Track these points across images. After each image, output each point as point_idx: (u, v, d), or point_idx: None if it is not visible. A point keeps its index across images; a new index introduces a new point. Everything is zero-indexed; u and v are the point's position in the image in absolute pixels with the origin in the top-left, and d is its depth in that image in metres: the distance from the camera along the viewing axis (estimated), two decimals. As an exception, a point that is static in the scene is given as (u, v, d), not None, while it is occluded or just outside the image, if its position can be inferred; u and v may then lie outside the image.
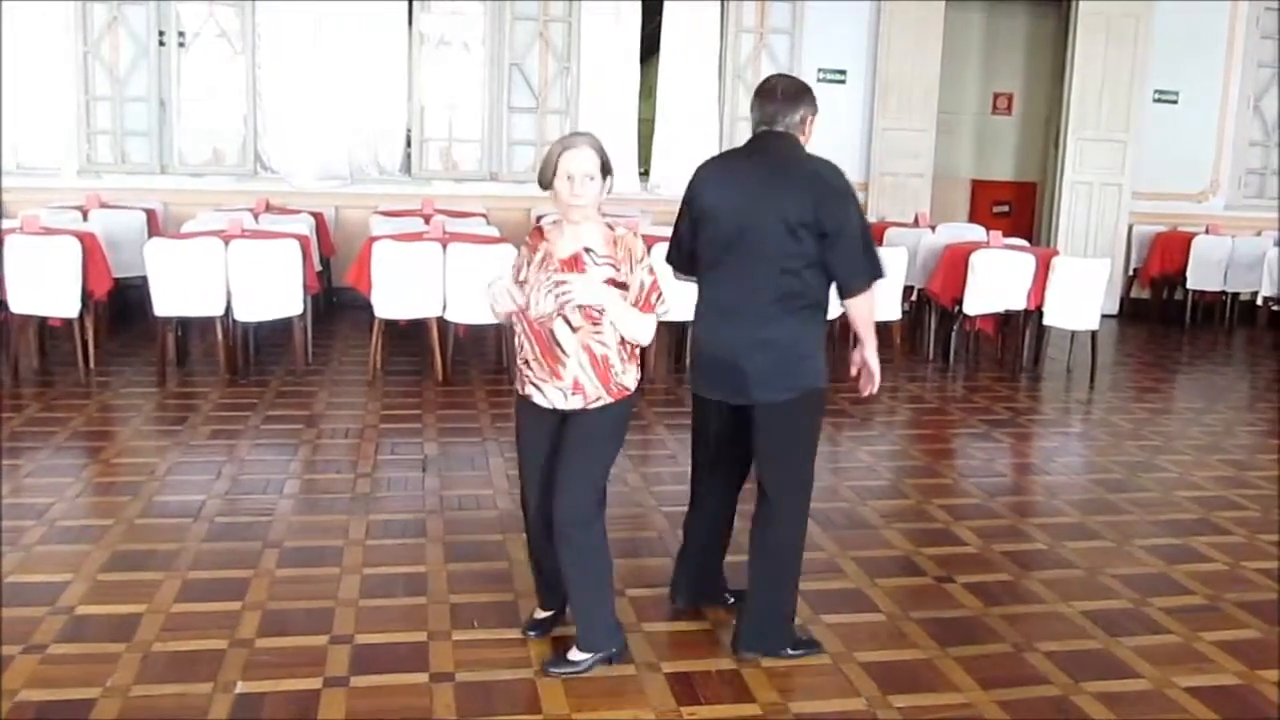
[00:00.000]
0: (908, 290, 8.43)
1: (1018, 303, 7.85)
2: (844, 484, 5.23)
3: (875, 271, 3.41)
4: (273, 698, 3.12)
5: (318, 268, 7.98)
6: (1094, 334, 7.96)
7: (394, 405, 6.46)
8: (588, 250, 3.22)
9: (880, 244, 7.40)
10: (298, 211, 8.84)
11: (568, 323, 3.21)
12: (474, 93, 9.94)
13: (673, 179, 9.87)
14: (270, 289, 6.91)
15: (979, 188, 12.07)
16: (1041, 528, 4.81)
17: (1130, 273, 10.92)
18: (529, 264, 3.29)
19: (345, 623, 3.59)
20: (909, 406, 6.98)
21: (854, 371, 3.58)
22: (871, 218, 9.29)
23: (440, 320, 7.04)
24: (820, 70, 10.10)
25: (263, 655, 3.36)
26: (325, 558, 4.13)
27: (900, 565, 4.31)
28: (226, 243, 6.83)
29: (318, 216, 8.90)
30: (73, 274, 6.68)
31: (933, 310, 8.48)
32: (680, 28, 10.08)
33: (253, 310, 6.93)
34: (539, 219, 8.05)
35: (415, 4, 9.67)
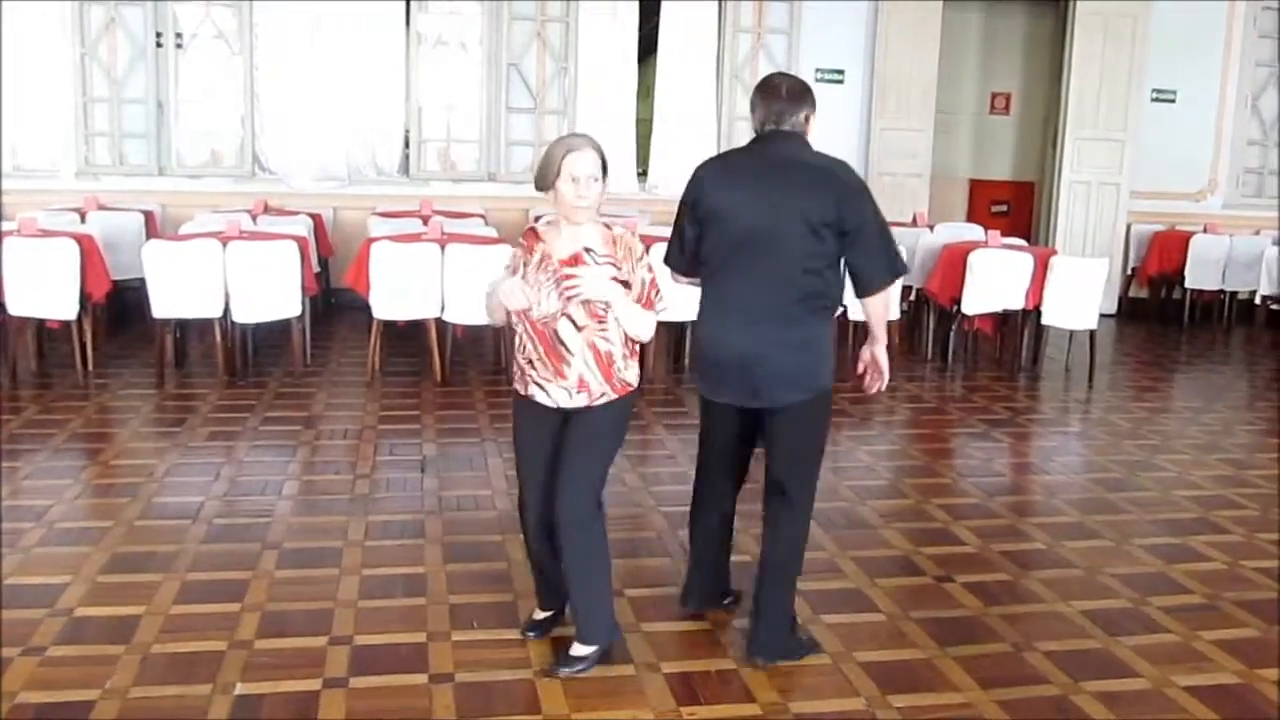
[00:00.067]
0: (906, 290, 8.44)
1: (1016, 302, 7.85)
2: (843, 484, 5.23)
3: (896, 268, 3.42)
4: (272, 699, 3.11)
5: (316, 269, 7.98)
6: (1092, 333, 7.97)
7: (392, 406, 6.45)
8: (588, 250, 3.23)
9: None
10: (296, 213, 8.83)
11: (572, 322, 3.22)
12: (472, 93, 9.94)
13: (671, 179, 9.88)
14: (268, 290, 6.91)
15: (977, 187, 12.08)
16: (1040, 527, 4.82)
17: (1128, 272, 10.93)
18: (525, 266, 3.30)
19: (344, 624, 3.59)
20: (908, 406, 6.98)
21: (860, 369, 3.58)
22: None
23: (439, 321, 7.04)
24: (818, 70, 10.10)
25: (262, 656, 3.36)
26: (324, 559, 4.12)
27: (899, 565, 4.31)
28: (224, 244, 6.83)
29: (316, 218, 8.90)
30: (71, 276, 6.67)
31: (931, 310, 8.48)
32: (678, 28, 10.08)
33: (251, 312, 6.92)
34: (536, 219, 8.05)
35: (413, 4, 9.67)
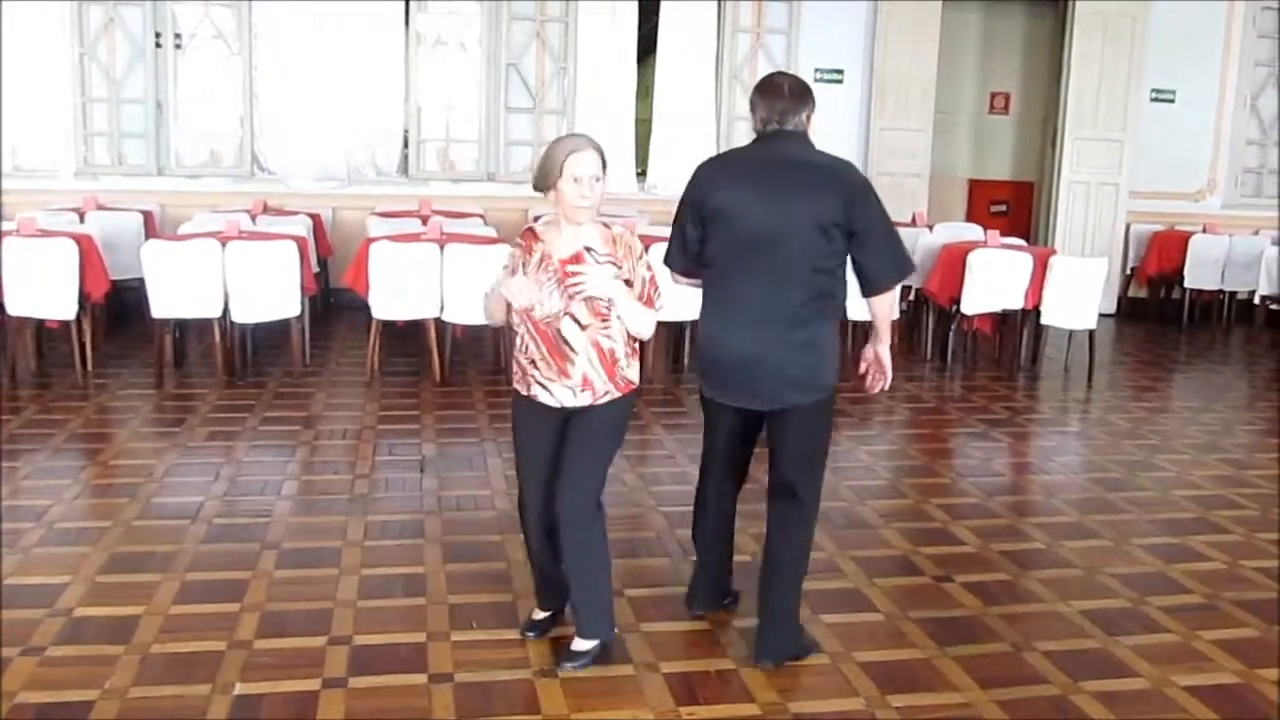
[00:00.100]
0: (905, 290, 8.44)
1: (1015, 302, 7.85)
2: (843, 483, 5.23)
3: (904, 267, 3.42)
4: (271, 699, 3.11)
5: (315, 269, 7.98)
6: (1091, 333, 7.97)
7: (392, 406, 6.45)
8: (589, 249, 3.25)
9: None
10: (295, 213, 8.83)
11: (576, 320, 3.23)
12: (471, 93, 9.94)
13: (670, 179, 9.87)
14: (267, 290, 6.90)
15: (976, 187, 12.08)
16: (1040, 527, 4.82)
17: (1128, 272, 10.93)
18: (524, 266, 3.30)
19: (344, 624, 3.59)
20: (907, 406, 6.99)
21: (862, 369, 3.58)
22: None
23: (438, 321, 7.03)
24: (817, 70, 10.10)
25: (261, 656, 3.35)
26: (323, 559, 4.12)
27: (899, 565, 4.31)
28: (224, 244, 6.82)
29: (315, 218, 8.90)
30: (70, 276, 6.67)
31: (930, 310, 8.48)
32: (677, 28, 10.08)
33: (250, 312, 6.92)
34: (535, 219, 8.05)
35: (412, 4, 9.67)
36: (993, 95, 11.99)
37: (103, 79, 9.26)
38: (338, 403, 6.53)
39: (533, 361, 3.30)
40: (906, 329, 8.77)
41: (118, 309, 8.10)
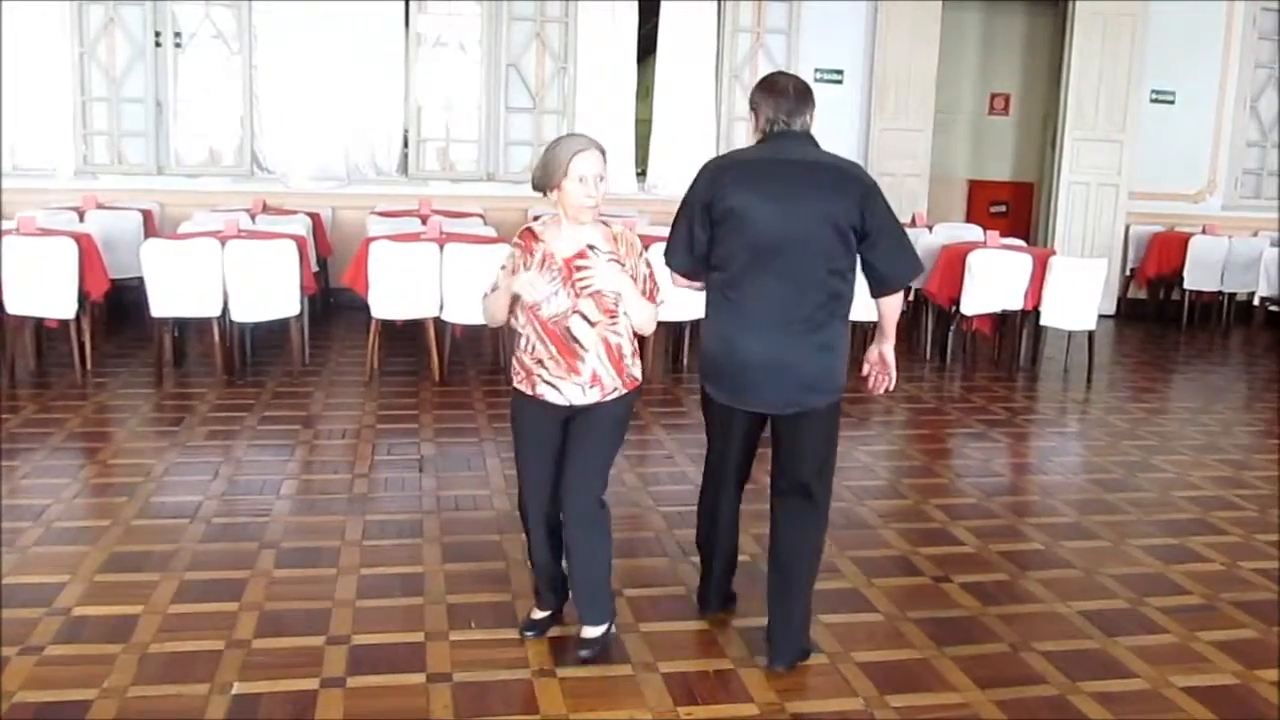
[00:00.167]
0: (905, 290, 8.42)
1: (1015, 303, 7.86)
2: (842, 484, 5.21)
3: (916, 266, 3.42)
4: (269, 698, 3.11)
5: (314, 268, 7.99)
6: (1091, 334, 7.97)
7: (391, 406, 6.45)
8: (592, 247, 3.27)
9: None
10: (294, 212, 8.82)
11: (585, 318, 3.26)
12: (471, 93, 9.94)
13: (670, 179, 9.88)
14: (267, 290, 6.90)
15: (976, 188, 12.09)
16: (1039, 528, 4.82)
17: (1127, 273, 10.93)
18: (525, 267, 3.30)
19: (342, 623, 3.59)
20: (906, 406, 6.99)
21: (865, 370, 3.57)
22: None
23: (437, 320, 7.04)
24: (817, 70, 10.10)
25: (259, 656, 3.35)
26: (322, 558, 4.12)
27: (898, 565, 4.31)
28: (223, 243, 6.82)
29: (314, 217, 8.89)
30: (69, 275, 6.66)
31: (930, 310, 8.49)
32: (677, 28, 10.07)
33: (249, 311, 6.92)
34: (535, 219, 8.04)
35: (412, 4, 9.66)
36: (992, 96, 12.00)
37: (103, 78, 9.25)
38: (337, 402, 6.53)
39: (540, 361, 3.31)
40: (906, 329, 8.76)
41: (117, 308, 8.10)
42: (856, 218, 3.24)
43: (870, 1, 10.23)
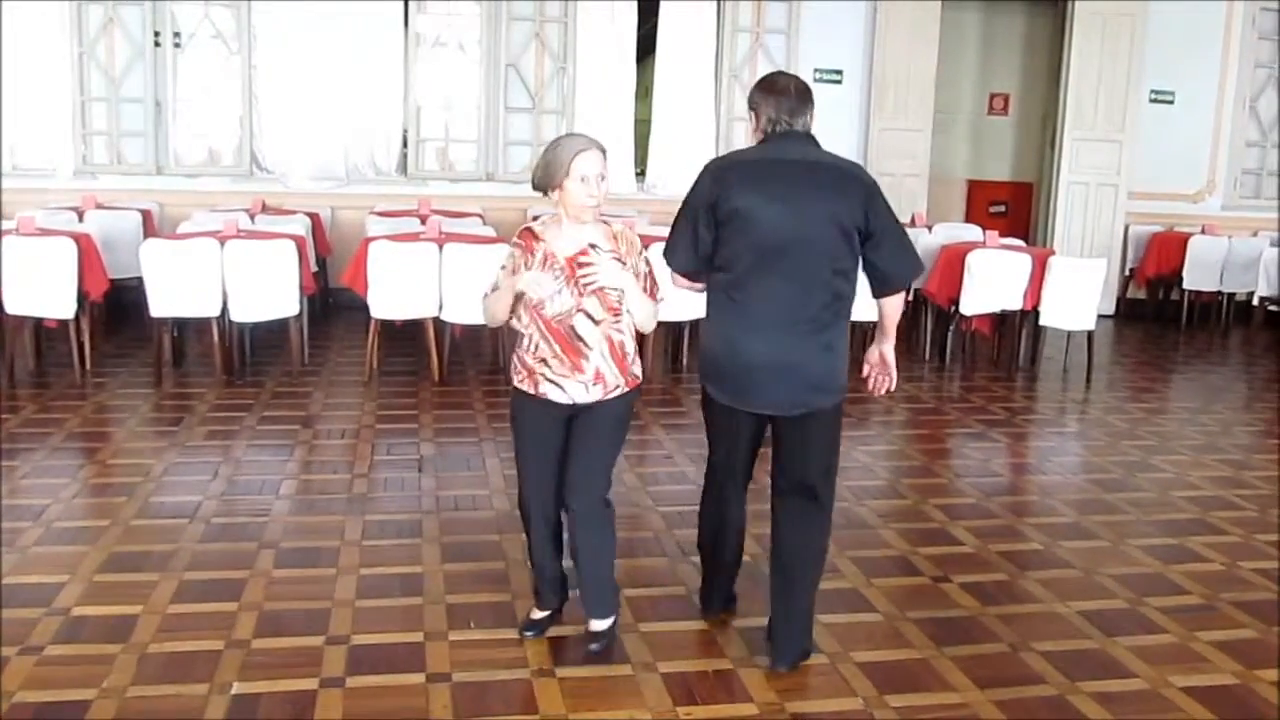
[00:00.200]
0: (905, 290, 8.42)
1: (1014, 303, 7.86)
2: (841, 484, 5.18)
3: (918, 266, 3.43)
4: (269, 698, 3.11)
5: (314, 268, 7.99)
6: (1090, 334, 7.98)
7: (390, 406, 6.45)
8: (593, 246, 3.29)
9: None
10: (294, 212, 8.82)
11: (589, 316, 3.27)
12: (470, 93, 9.94)
13: (669, 179, 9.88)
14: (266, 290, 6.90)
15: (975, 188, 12.09)
16: (1038, 528, 4.82)
17: (1126, 273, 10.93)
18: (526, 266, 3.30)
19: (341, 623, 3.59)
20: (906, 406, 6.99)
21: (866, 372, 3.57)
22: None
23: (436, 320, 7.04)
24: (816, 70, 10.10)
25: (259, 656, 3.35)
26: (321, 558, 4.12)
27: (897, 565, 4.31)
28: (222, 243, 6.82)
29: (314, 217, 8.89)
30: (68, 275, 6.66)
31: (929, 310, 8.49)
32: (676, 28, 10.07)
33: (249, 311, 6.92)
34: (534, 218, 8.04)
35: (411, 4, 9.66)
36: (992, 96, 12.00)
37: (102, 78, 9.25)
38: (336, 402, 6.53)
39: (543, 360, 3.31)
40: (906, 330, 8.76)
41: (116, 308, 8.10)
42: (860, 218, 3.24)
43: (869, 1, 10.23)
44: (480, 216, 9.07)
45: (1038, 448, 6.40)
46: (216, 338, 6.94)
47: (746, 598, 3.76)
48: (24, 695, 3.08)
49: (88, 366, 6.90)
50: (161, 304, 6.74)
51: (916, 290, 8.50)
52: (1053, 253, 8.34)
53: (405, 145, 9.98)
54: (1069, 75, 10.42)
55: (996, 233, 8.51)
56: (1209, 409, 7.24)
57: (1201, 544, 4.65)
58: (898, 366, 3.59)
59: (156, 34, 9.24)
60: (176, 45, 9.35)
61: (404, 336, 7.68)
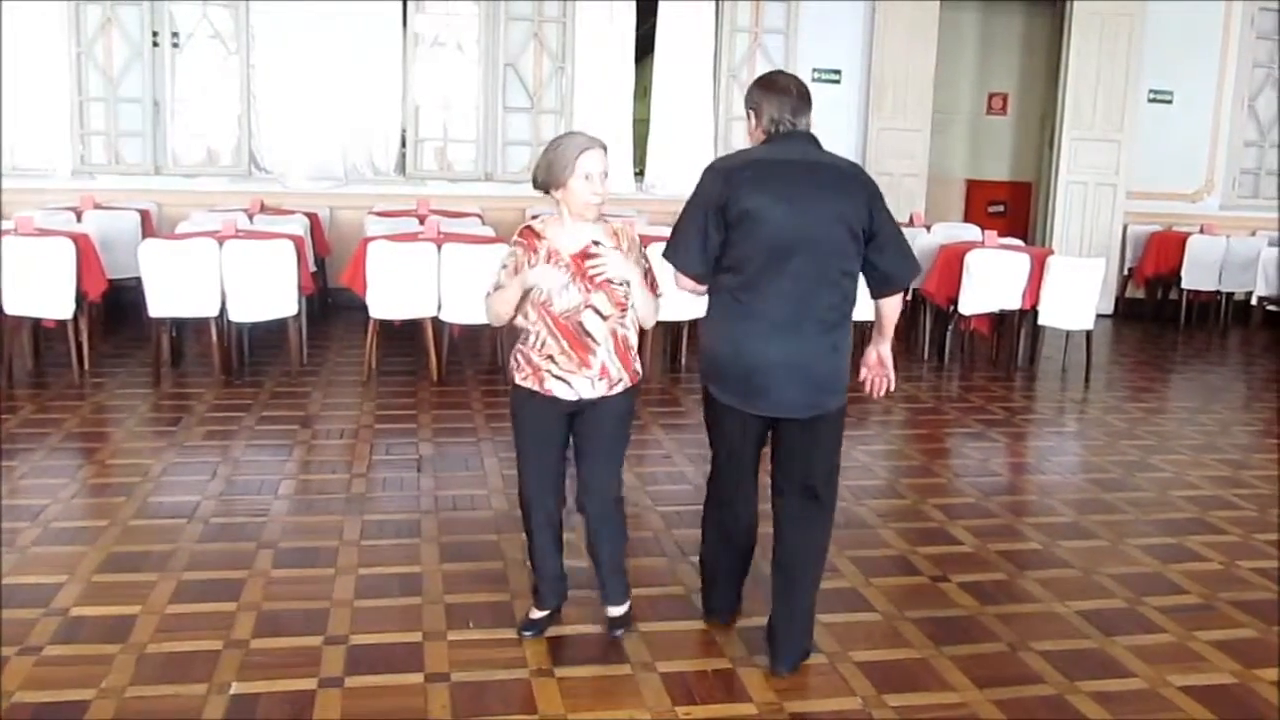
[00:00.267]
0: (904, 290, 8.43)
1: (1013, 302, 7.86)
2: (841, 483, 5.14)
3: (916, 267, 3.43)
4: (267, 698, 3.11)
5: (312, 268, 7.98)
6: (1089, 333, 7.98)
7: (389, 405, 6.45)
8: (596, 243, 3.32)
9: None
10: (292, 212, 8.82)
11: (597, 312, 3.30)
12: (469, 93, 9.94)
13: (668, 179, 9.89)
14: (265, 290, 6.90)
15: (974, 187, 12.09)
16: (1037, 527, 4.82)
17: (1125, 272, 10.93)
18: (529, 264, 3.31)
19: (340, 623, 3.58)
20: (905, 406, 6.99)
21: (863, 375, 3.56)
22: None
23: (435, 320, 7.03)
24: (815, 70, 10.10)
25: (257, 656, 3.35)
26: (320, 558, 4.12)
27: (896, 565, 4.31)
28: (221, 243, 6.82)
29: (312, 217, 8.88)
30: (67, 275, 6.66)
31: (928, 310, 8.49)
32: (675, 27, 10.07)
33: (247, 311, 6.92)
34: (534, 218, 8.05)
35: (409, 4, 9.66)
36: (990, 95, 12.01)
37: (100, 78, 9.24)
38: (335, 402, 6.52)
39: (550, 357, 3.32)
40: (904, 329, 8.76)
41: (115, 308, 8.10)
42: (865, 218, 3.24)
43: (868, 1, 10.23)
44: (479, 216, 9.07)
45: (1036, 447, 6.40)
46: (215, 338, 6.94)
47: (745, 598, 3.74)
48: (23, 695, 3.07)
49: (86, 367, 6.89)
50: (160, 304, 6.74)
51: (915, 290, 8.50)
52: (1051, 252, 8.35)
53: (404, 145, 9.98)
54: (1067, 75, 10.43)
55: (995, 232, 8.52)
56: (1208, 408, 7.24)
57: (1200, 543, 4.65)
58: (896, 366, 3.59)
59: (155, 34, 9.24)
60: (175, 45, 9.34)
61: (402, 336, 7.68)
